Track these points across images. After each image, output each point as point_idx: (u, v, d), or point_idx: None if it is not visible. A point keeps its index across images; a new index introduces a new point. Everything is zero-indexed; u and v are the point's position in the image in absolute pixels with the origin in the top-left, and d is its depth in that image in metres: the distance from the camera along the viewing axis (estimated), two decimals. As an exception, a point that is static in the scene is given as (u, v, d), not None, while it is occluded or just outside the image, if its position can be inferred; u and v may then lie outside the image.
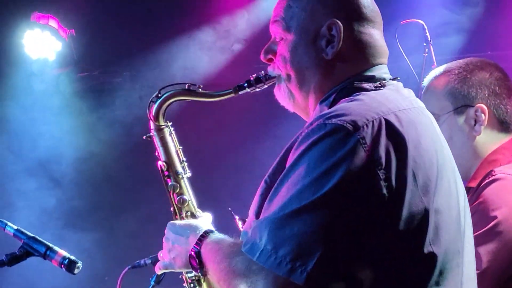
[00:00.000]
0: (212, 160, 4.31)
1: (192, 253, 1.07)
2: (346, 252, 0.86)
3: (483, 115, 1.58)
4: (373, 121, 0.89)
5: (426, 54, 3.12)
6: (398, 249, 0.89)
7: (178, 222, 1.24)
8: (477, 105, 1.58)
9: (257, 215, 1.00)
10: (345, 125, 0.88)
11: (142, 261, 2.44)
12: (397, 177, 0.88)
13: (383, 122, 0.90)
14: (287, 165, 0.94)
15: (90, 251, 4.08)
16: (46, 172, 4.30)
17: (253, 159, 3.86)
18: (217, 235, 1.09)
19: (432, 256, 0.90)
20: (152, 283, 2.31)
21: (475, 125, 1.59)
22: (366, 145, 0.86)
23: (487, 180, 1.48)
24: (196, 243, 1.07)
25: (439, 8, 3.87)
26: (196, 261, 1.06)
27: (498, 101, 1.60)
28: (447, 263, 0.93)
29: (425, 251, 0.90)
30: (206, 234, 1.09)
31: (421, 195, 0.90)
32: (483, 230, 1.35)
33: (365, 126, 0.88)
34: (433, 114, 1.46)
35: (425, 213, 0.90)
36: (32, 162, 4.28)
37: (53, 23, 4.05)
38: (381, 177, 0.86)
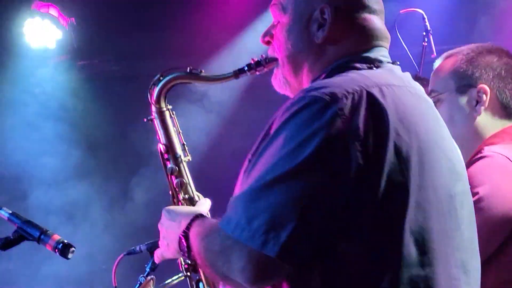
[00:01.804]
0: (214, 146, 4.30)
1: (181, 236, 1.00)
2: (320, 224, 0.84)
3: (484, 95, 1.57)
4: (353, 93, 0.87)
5: (426, 44, 3.04)
6: (375, 223, 0.86)
7: (173, 207, 1.19)
8: (480, 85, 1.58)
9: (239, 195, 0.94)
10: (323, 96, 0.86)
11: (138, 248, 2.37)
12: (375, 149, 0.85)
13: (365, 94, 0.88)
14: (266, 147, 0.91)
15: (86, 240, 4.11)
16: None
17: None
18: (207, 218, 1.05)
19: (412, 233, 0.87)
20: (148, 270, 2.24)
21: (476, 106, 1.58)
22: (344, 116, 0.85)
23: (475, 158, 1.50)
24: (186, 227, 1.00)
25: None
26: (185, 245, 0.99)
27: (502, 84, 1.60)
28: (433, 243, 0.89)
29: (405, 228, 0.86)
30: (196, 218, 1.02)
31: (403, 169, 0.87)
32: None
33: (344, 98, 0.86)
34: (436, 92, 1.48)
35: (406, 188, 0.87)
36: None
37: (53, 11, 4.05)
38: (358, 148, 0.84)
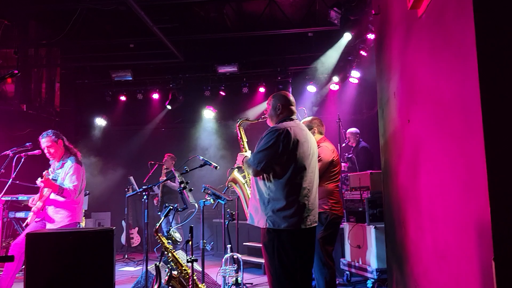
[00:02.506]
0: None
1: (242, 161, 3.50)
2: (271, 162, 3.17)
3: None
4: (284, 128, 3.21)
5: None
6: (286, 163, 3.17)
7: (241, 153, 3.61)
8: None
9: (252, 154, 3.35)
10: (276, 129, 3.22)
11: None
12: (287, 144, 3.16)
13: (286, 129, 3.21)
14: (261, 142, 3.25)
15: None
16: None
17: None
18: (247, 156, 3.49)
19: (297, 168, 3.20)
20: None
21: None
22: (282, 134, 3.17)
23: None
24: (244, 158, 3.49)
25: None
26: (242, 163, 3.49)
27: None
28: (302, 172, 3.23)
29: (295, 165, 3.18)
30: (246, 157, 3.48)
31: (294, 148, 3.19)
32: None
33: (282, 129, 3.20)
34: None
35: (295, 153, 3.19)
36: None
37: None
38: (283, 143, 3.15)
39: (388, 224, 2.91)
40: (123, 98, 10.03)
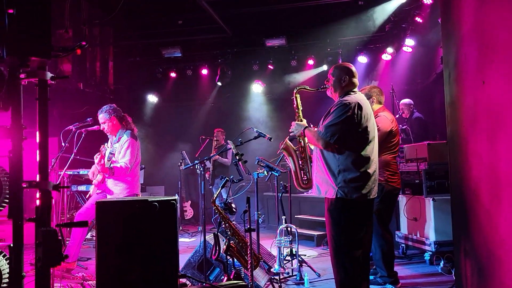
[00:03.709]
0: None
1: (302, 131, 3.54)
2: (344, 135, 3.23)
3: None
4: (355, 102, 3.29)
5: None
6: (358, 136, 3.28)
7: (297, 122, 3.65)
8: None
9: (323, 127, 3.33)
10: (347, 103, 3.29)
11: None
12: (359, 117, 3.27)
13: (357, 102, 3.30)
14: (329, 115, 3.33)
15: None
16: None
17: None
18: (310, 128, 3.55)
19: (367, 140, 3.32)
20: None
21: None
22: (354, 109, 3.26)
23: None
24: (304, 129, 3.54)
25: None
26: (303, 133, 3.52)
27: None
28: (370, 144, 3.34)
29: (365, 137, 3.31)
30: (307, 127, 3.55)
31: (365, 122, 3.30)
32: None
33: (354, 103, 3.28)
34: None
35: (366, 127, 3.31)
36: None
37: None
38: (356, 117, 3.26)
39: (455, 194, 2.80)
40: (173, 74, 10.18)
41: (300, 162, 3.71)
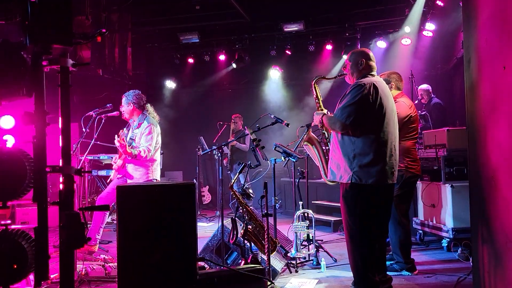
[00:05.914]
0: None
1: (320, 119, 3.58)
2: (360, 116, 3.22)
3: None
4: (370, 83, 3.29)
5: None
6: (374, 118, 3.26)
7: (317, 112, 3.68)
8: None
9: (339, 109, 3.36)
10: (362, 84, 3.30)
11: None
12: (375, 98, 3.26)
13: (373, 83, 3.30)
14: (345, 97, 3.34)
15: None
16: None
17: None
18: (328, 114, 3.58)
19: (384, 123, 3.29)
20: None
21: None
22: (369, 89, 3.26)
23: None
24: (322, 116, 3.58)
25: None
26: (321, 121, 3.57)
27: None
28: (388, 127, 3.31)
29: (381, 120, 3.28)
30: (325, 114, 3.58)
31: (383, 102, 3.29)
32: None
33: (369, 84, 3.28)
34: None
35: (382, 109, 3.29)
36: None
37: None
38: (372, 98, 3.25)
39: (473, 180, 2.78)
40: (191, 60, 10.21)
41: (325, 153, 3.72)
